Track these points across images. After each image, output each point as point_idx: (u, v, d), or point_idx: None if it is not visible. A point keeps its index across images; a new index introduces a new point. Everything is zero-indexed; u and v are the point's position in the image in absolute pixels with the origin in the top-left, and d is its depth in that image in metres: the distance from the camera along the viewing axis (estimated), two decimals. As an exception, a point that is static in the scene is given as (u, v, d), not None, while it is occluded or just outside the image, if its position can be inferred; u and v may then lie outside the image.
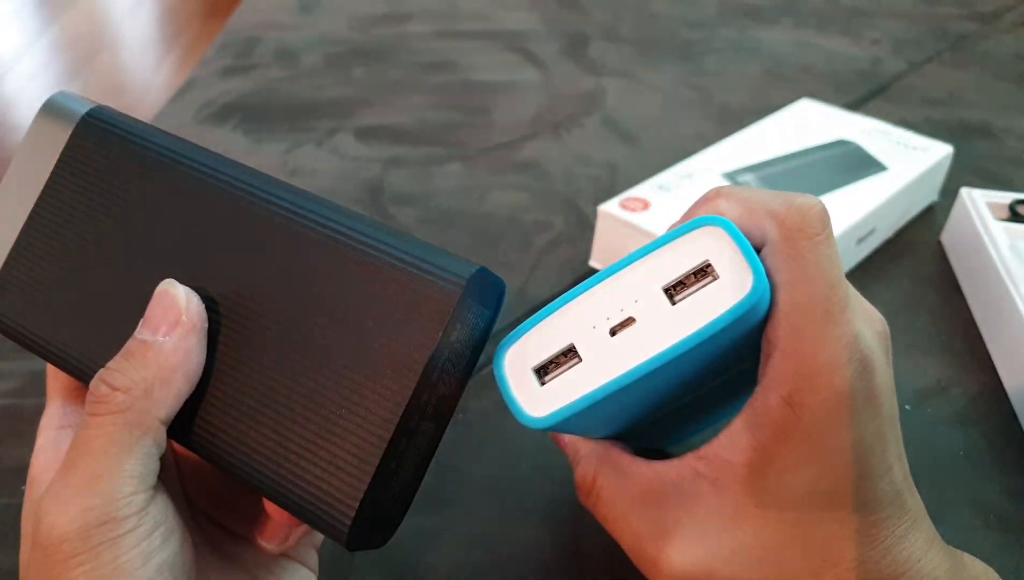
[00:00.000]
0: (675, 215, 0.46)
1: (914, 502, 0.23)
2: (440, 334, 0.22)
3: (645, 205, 0.46)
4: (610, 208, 0.46)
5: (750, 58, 0.80)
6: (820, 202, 0.22)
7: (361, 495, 0.22)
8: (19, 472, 0.36)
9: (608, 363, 0.22)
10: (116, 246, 0.25)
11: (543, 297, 0.47)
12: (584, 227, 0.53)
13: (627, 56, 0.80)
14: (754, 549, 0.22)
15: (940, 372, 0.42)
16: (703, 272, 0.22)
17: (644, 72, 0.76)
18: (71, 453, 0.22)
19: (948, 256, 0.51)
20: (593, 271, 0.49)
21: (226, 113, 0.67)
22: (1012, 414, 0.39)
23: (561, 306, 0.23)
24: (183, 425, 0.24)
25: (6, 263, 0.26)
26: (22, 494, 0.35)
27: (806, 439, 0.21)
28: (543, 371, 0.23)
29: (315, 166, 0.60)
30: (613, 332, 0.22)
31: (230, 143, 0.63)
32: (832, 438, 0.21)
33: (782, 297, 0.21)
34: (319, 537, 0.29)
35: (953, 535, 0.24)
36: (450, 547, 0.33)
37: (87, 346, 0.25)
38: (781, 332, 0.21)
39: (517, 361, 0.23)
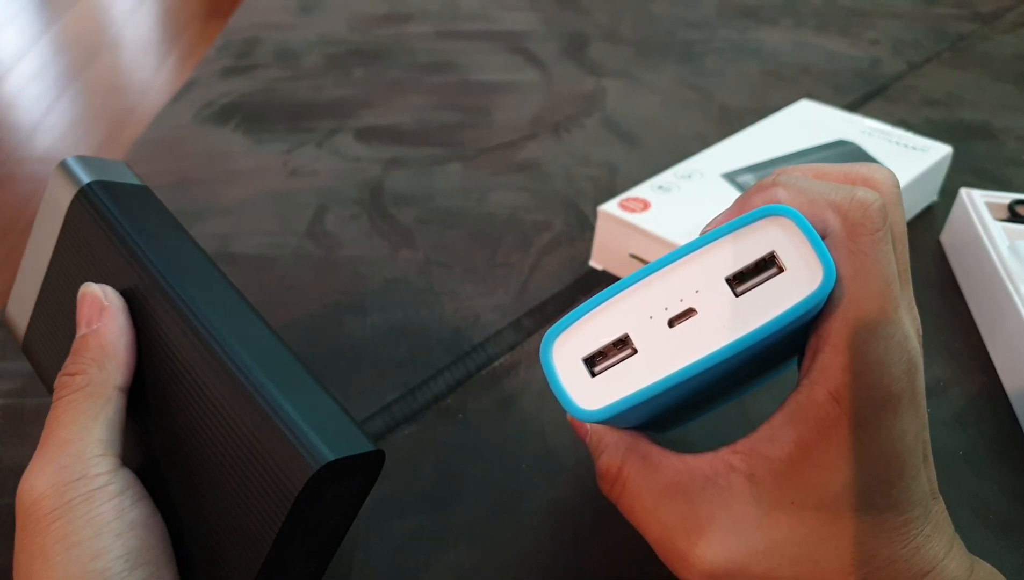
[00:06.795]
0: (675, 215, 0.46)
1: (938, 503, 0.23)
2: (283, 518, 0.22)
3: (645, 205, 0.46)
4: (610, 208, 0.46)
5: (750, 59, 0.80)
6: (879, 197, 0.22)
7: None
8: (19, 472, 0.36)
9: (666, 356, 0.21)
10: None
11: (543, 297, 0.47)
12: (584, 227, 0.53)
13: (627, 57, 0.80)
14: (788, 545, 0.22)
15: (940, 372, 0.42)
16: (766, 263, 0.21)
17: (644, 73, 0.77)
18: (44, 431, 0.25)
19: (948, 256, 0.51)
20: (593, 271, 0.49)
21: (226, 113, 0.67)
22: (1012, 414, 0.39)
23: (614, 294, 0.22)
24: None
25: (35, 309, 0.30)
26: (22, 494, 0.35)
27: (849, 436, 0.21)
28: (593, 361, 0.22)
29: (315, 166, 0.60)
30: (671, 323, 0.21)
31: (230, 144, 0.63)
32: (875, 437, 0.21)
33: (840, 292, 0.21)
34: None
35: (953, 535, 0.24)
36: (450, 547, 0.33)
37: None
38: (835, 327, 0.21)
39: (565, 350, 0.22)
